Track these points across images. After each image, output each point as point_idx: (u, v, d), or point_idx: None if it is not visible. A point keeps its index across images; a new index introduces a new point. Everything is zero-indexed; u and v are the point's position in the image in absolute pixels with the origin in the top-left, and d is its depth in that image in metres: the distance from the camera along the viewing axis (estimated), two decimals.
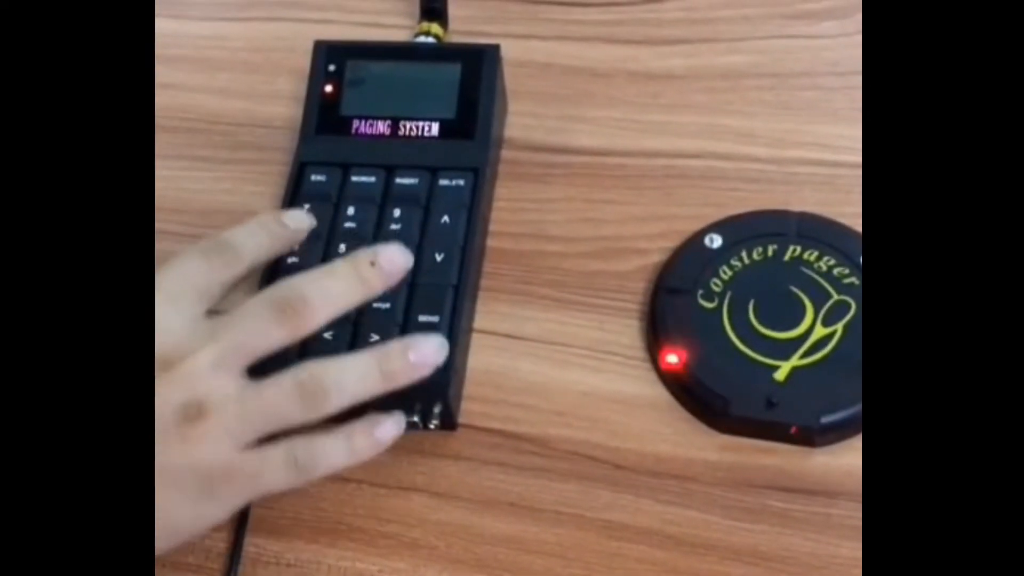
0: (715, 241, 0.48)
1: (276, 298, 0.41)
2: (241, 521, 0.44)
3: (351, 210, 0.49)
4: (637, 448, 0.45)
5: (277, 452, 0.40)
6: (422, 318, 0.45)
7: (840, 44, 0.57)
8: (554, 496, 0.44)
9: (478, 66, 0.52)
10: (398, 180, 0.50)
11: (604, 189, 0.53)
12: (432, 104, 0.51)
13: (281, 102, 0.58)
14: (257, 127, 0.57)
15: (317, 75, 0.53)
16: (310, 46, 0.53)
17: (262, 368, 0.41)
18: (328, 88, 0.52)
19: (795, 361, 0.45)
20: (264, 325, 0.40)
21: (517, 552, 0.43)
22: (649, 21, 0.60)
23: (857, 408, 0.43)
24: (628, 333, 0.48)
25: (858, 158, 0.53)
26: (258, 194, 0.54)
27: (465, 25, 0.60)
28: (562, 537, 0.43)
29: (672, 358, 0.45)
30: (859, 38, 0.57)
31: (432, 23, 0.57)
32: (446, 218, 0.48)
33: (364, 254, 0.43)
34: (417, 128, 0.51)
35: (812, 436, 0.43)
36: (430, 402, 0.44)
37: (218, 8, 0.64)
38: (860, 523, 0.42)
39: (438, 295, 0.46)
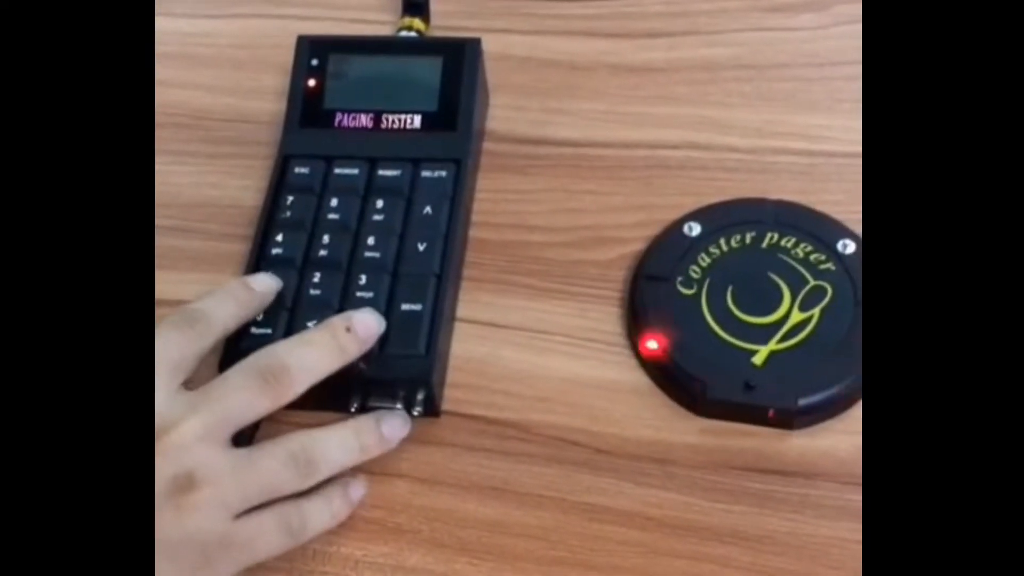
0: (694, 229, 0.49)
1: (258, 367, 0.41)
2: None
3: (334, 201, 0.49)
4: (618, 432, 0.46)
5: (270, 519, 0.41)
6: (405, 306, 0.46)
7: (817, 36, 0.58)
8: (537, 480, 0.45)
9: (459, 59, 0.53)
10: (381, 172, 0.50)
11: (585, 180, 0.54)
12: (414, 97, 0.52)
13: (266, 97, 0.58)
14: (242, 122, 0.58)
15: (300, 69, 0.53)
16: (294, 42, 0.54)
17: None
18: (311, 82, 0.53)
19: (772, 345, 0.45)
20: (247, 395, 0.41)
21: (500, 535, 0.43)
22: (629, 15, 0.61)
23: (833, 391, 0.44)
24: (609, 320, 0.49)
25: (835, 147, 0.53)
26: (243, 188, 0.54)
27: (447, 20, 0.60)
28: (545, 520, 0.43)
29: (652, 344, 0.46)
30: (836, 30, 0.58)
31: (414, 18, 0.58)
32: (428, 209, 0.49)
33: (339, 320, 0.43)
34: (399, 121, 0.52)
35: (790, 418, 0.44)
36: (414, 389, 0.45)
37: (204, 5, 0.64)
38: (837, 503, 0.43)
39: (421, 284, 0.47)
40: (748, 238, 0.49)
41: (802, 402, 0.44)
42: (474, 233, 0.52)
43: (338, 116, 0.52)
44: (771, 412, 0.44)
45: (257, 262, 0.48)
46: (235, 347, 0.45)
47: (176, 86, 0.60)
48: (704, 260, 0.48)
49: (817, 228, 0.49)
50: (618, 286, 0.50)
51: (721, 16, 0.60)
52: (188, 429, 0.39)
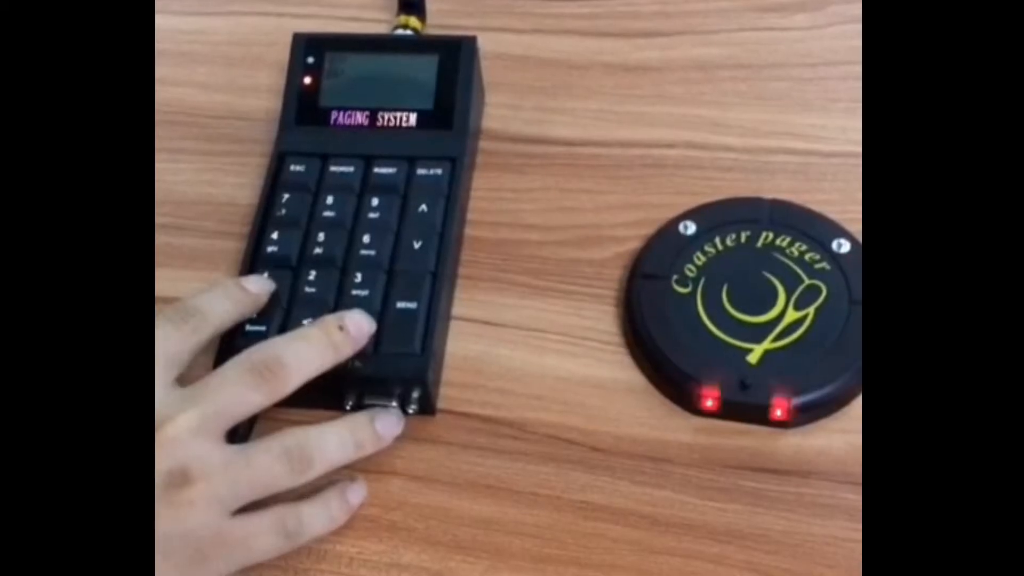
0: (689, 228, 0.49)
1: (253, 362, 0.41)
2: None
3: (330, 199, 0.49)
4: (613, 431, 0.46)
5: (266, 520, 0.41)
6: (400, 304, 0.46)
7: (812, 36, 0.58)
8: (532, 479, 0.45)
9: (455, 58, 0.53)
10: (376, 170, 0.50)
11: (581, 179, 0.54)
12: (410, 95, 0.52)
13: (261, 95, 0.58)
14: (237, 120, 0.58)
15: (296, 67, 0.53)
16: (290, 40, 0.54)
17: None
18: (307, 80, 0.53)
19: (767, 344, 0.45)
20: (242, 390, 0.41)
21: (495, 533, 0.43)
22: (624, 14, 0.61)
23: (828, 390, 0.44)
24: (604, 319, 0.49)
25: (829, 147, 0.54)
26: (239, 185, 0.54)
27: (443, 19, 0.60)
28: (540, 518, 0.44)
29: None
30: (830, 30, 0.58)
31: (410, 16, 0.58)
32: (424, 206, 0.49)
33: (332, 319, 0.44)
34: (395, 119, 0.52)
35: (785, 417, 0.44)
36: (409, 387, 0.45)
37: (199, 2, 0.64)
38: (831, 501, 0.43)
39: (416, 282, 0.47)
40: (743, 237, 0.49)
41: (797, 401, 0.44)
42: (470, 231, 0.52)
43: (334, 114, 0.52)
44: (768, 410, 0.44)
45: (252, 260, 0.48)
46: (230, 344, 0.45)
47: (171, 83, 0.59)
48: (699, 259, 0.48)
49: (812, 227, 0.49)
50: (614, 285, 0.50)
51: (716, 16, 0.60)
52: (183, 423, 0.39)
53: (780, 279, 0.47)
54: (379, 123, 0.52)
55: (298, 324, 0.45)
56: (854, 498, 0.43)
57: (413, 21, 0.58)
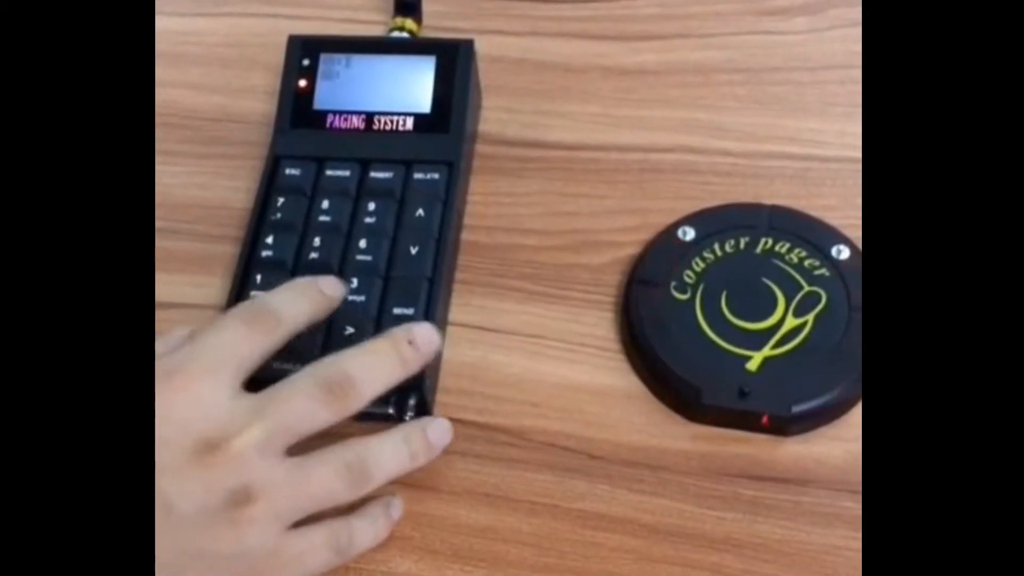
0: (688, 234, 0.49)
1: (323, 378, 0.40)
2: None
3: (326, 203, 0.49)
4: (611, 438, 0.45)
5: (321, 535, 0.40)
6: (397, 311, 0.45)
7: (811, 40, 0.58)
8: (529, 486, 0.44)
9: (452, 61, 0.52)
10: (373, 174, 0.50)
11: (578, 183, 0.53)
12: (406, 98, 0.52)
13: (256, 97, 0.58)
14: (231, 122, 0.57)
15: (291, 69, 0.53)
16: (284, 41, 0.54)
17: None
18: (302, 83, 0.52)
19: (767, 351, 0.45)
20: (312, 405, 0.39)
21: (492, 542, 0.43)
22: (622, 17, 0.60)
23: (827, 397, 0.44)
24: (602, 325, 0.49)
25: (827, 151, 0.53)
26: (233, 189, 0.54)
27: (439, 21, 0.60)
28: (537, 527, 0.43)
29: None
30: (829, 34, 0.58)
31: (406, 19, 0.58)
32: (421, 211, 0.49)
33: (401, 332, 0.42)
34: (391, 122, 0.51)
35: (784, 425, 0.44)
36: (406, 395, 0.44)
37: (193, 3, 0.64)
38: (831, 510, 0.43)
39: (413, 288, 0.46)
40: (742, 243, 0.48)
41: (796, 409, 0.44)
42: (466, 236, 0.52)
43: (329, 117, 0.52)
44: (765, 418, 0.44)
45: (247, 264, 0.47)
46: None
47: (165, 85, 0.59)
48: (698, 265, 0.48)
49: (811, 233, 0.48)
50: (611, 291, 0.49)
51: (714, 19, 0.60)
52: (250, 439, 0.38)
53: (779, 286, 0.47)
54: (375, 126, 0.51)
55: None
56: (853, 507, 0.43)
57: (409, 23, 0.58)
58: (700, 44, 0.59)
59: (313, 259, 0.47)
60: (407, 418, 0.45)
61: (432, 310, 0.46)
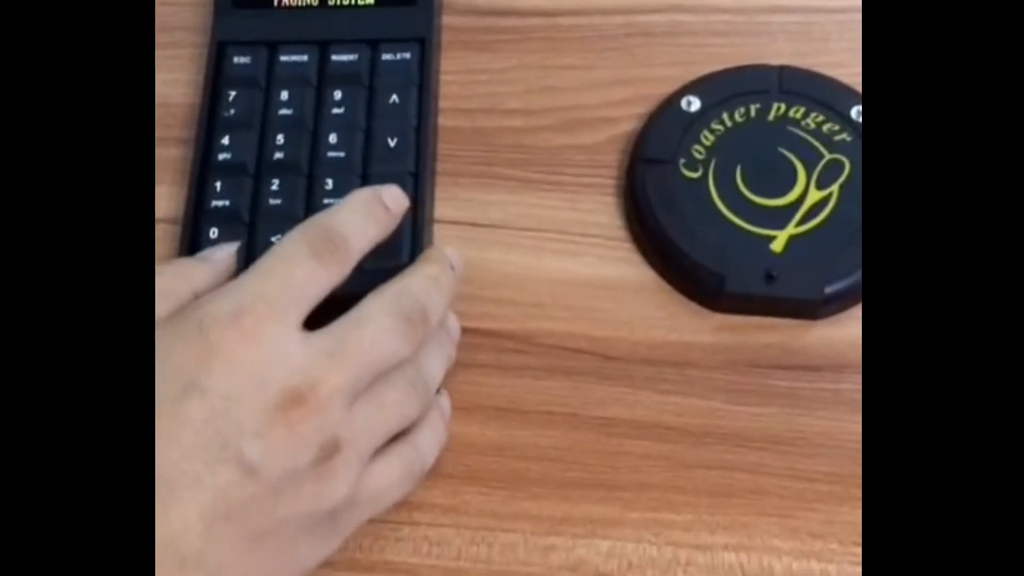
0: (693, 104, 0.44)
1: (403, 310, 0.35)
2: None
3: (284, 95, 0.43)
4: (627, 336, 0.41)
5: (397, 467, 0.36)
6: None
7: None
8: (543, 396, 0.40)
9: None
10: (334, 57, 0.44)
11: (561, 54, 0.48)
12: None
13: None
14: (161, 4, 0.50)
15: None
16: None
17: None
18: None
19: (791, 229, 0.41)
20: (394, 343, 0.35)
21: (510, 460, 0.39)
22: None
23: (860, 275, 0.40)
24: (605, 211, 0.44)
25: (832, 2, 0.48)
26: (171, 82, 0.47)
27: None
28: (557, 440, 0.39)
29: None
30: None
31: None
32: (395, 97, 0.43)
33: (442, 256, 0.39)
34: None
35: (815, 308, 0.40)
36: None
37: None
38: None
39: (396, 185, 0.41)
40: (753, 111, 0.44)
41: (829, 290, 0.40)
42: (443, 121, 0.46)
43: None
44: (795, 303, 0.40)
45: (202, 169, 0.42)
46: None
47: None
48: (707, 138, 0.43)
49: (827, 95, 0.44)
50: (611, 172, 0.45)
51: None
52: (333, 386, 0.33)
53: (798, 155, 0.43)
54: (331, 1, 0.45)
55: (265, 241, 0.40)
56: None
57: None
58: None
59: (278, 160, 0.41)
60: None
61: (420, 208, 0.41)
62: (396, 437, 0.36)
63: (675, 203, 0.42)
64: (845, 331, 0.41)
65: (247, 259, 0.39)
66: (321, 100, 0.43)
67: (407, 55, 0.44)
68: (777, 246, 0.41)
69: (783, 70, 0.45)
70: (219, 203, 0.41)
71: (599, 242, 0.43)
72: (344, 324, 0.34)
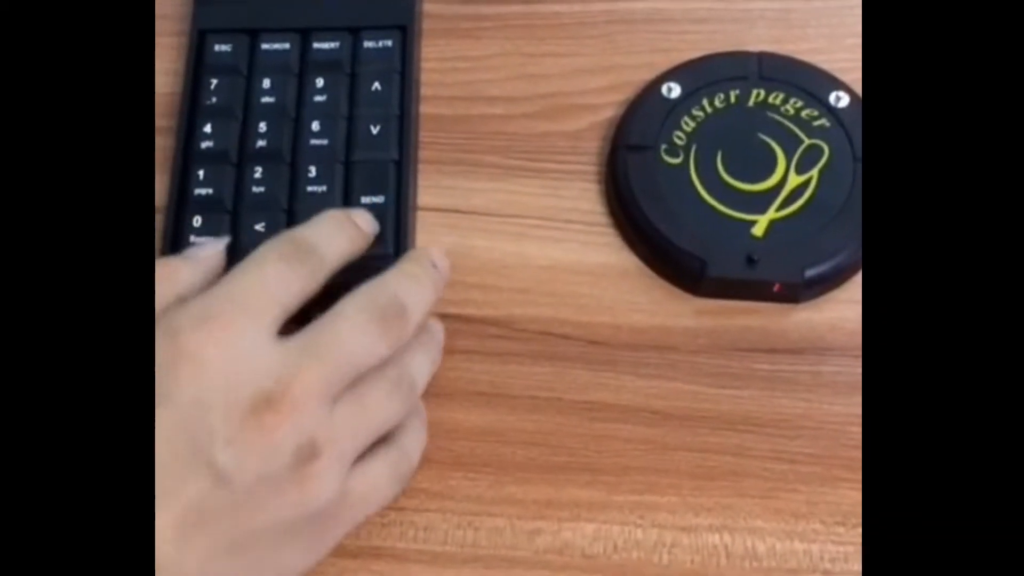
0: (673, 90, 0.44)
1: (378, 307, 0.35)
2: None
3: (266, 83, 0.43)
4: (610, 321, 0.42)
5: (383, 470, 0.35)
6: (365, 199, 0.41)
7: None
8: (528, 381, 0.41)
9: None
10: (316, 44, 0.44)
11: (541, 41, 0.48)
12: None
13: None
14: None
15: None
16: None
17: None
18: None
19: (772, 214, 0.42)
20: (369, 341, 0.34)
21: (496, 444, 0.39)
22: None
23: (840, 258, 0.41)
24: (587, 197, 0.44)
25: None
26: None
27: None
28: (542, 424, 0.40)
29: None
30: None
31: None
32: (377, 85, 0.43)
33: (423, 254, 0.39)
34: None
35: (796, 291, 0.41)
36: None
37: None
38: (851, 379, 0.40)
39: (379, 172, 0.41)
40: (733, 97, 0.44)
41: (809, 273, 0.40)
42: (425, 109, 0.46)
43: None
44: (777, 286, 0.41)
45: (185, 158, 0.42)
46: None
47: None
48: (688, 124, 0.43)
49: (806, 81, 0.44)
50: (593, 159, 0.45)
51: None
52: (308, 386, 0.32)
53: (777, 141, 0.43)
54: None
55: (249, 228, 0.40)
56: None
57: None
58: None
59: (260, 148, 0.42)
60: None
61: (403, 196, 0.41)
62: (383, 439, 0.36)
63: (657, 189, 0.42)
64: (825, 314, 0.42)
65: (232, 248, 0.39)
66: (303, 88, 0.43)
67: (389, 43, 0.44)
68: (758, 230, 0.41)
69: (762, 57, 0.45)
70: (202, 191, 0.41)
71: (581, 228, 0.44)
72: (318, 324, 0.34)
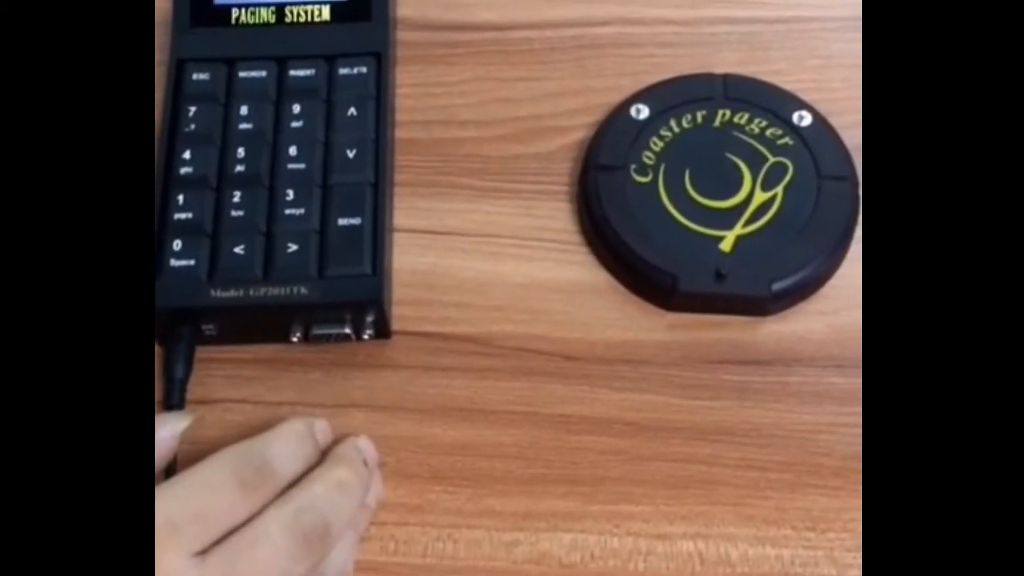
0: (642, 112, 0.46)
1: (301, 529, 0.33)
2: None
3: (244, 109, 0.44)
4: (584, 336, 0.43)
5: None
6: (342, 221, 0.41)
7: None
8: (504, 396, 0.41)
9: None
10: (292, 72, 0.45)
11: (513, 66, 0.49)
12: None
13: None
14: None
15: None
16: None
17: None
18: None
19: (739, 230, 0.43)
20: (289, 563, 0.33)
21: (473, 458, 0.40)
22: None
23: (806, 272, 0.42)
24: (559, 217, 0.45)
25: (772, 12, 0.50)
26: None
27: None
28: (519, 438, 0.41)
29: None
30: None
31: None
32: (352, 110, 0.44)
33: (352, 453, 0.37)
34: (306, 12, 0.46)
35: (763, 304, 0.42)
36: (362, 312, 0.41)
37: None
38: (818, 388, 0.41)
39: (356, 195, 0.42)
40: (699, 117, 0.45)
41: (776, 287, 0.42)
42: (400, 134, 0.47)
43: (234, 11, 0.46)
44: (744, 300, 0.42)
45: (165, 183, 0.42)
46: (153, 285, 0.40)
47: None
48: (656, 144, 0.45)
49: (769, 101, 0.46)
50: (564, 179, 0.46)
51: None
52: None
53: (743, 159, 0.44)
54: (288, 19, 0.46)
55: (229, 252, 0.40)
56: (842, 382, 0.41)
57: None
58: None
59: (239, 172, 0.42)
60: (366, 337, 0.41)
61: (380, 217, 0.42)
62: None
63: (627, 207, 0.43)
64: (793, 326, 0.43)
65: (210, 269, 0.40)
66: (280, 114, 0.44)
67: (364, 69, 0.45)
68: (726, 246, 0.42)
69: (727, 78, 0.47)
70: (182, 215, 0.41)
71: (555, 247, 0.45)
72: (240, 542, 0.33)
